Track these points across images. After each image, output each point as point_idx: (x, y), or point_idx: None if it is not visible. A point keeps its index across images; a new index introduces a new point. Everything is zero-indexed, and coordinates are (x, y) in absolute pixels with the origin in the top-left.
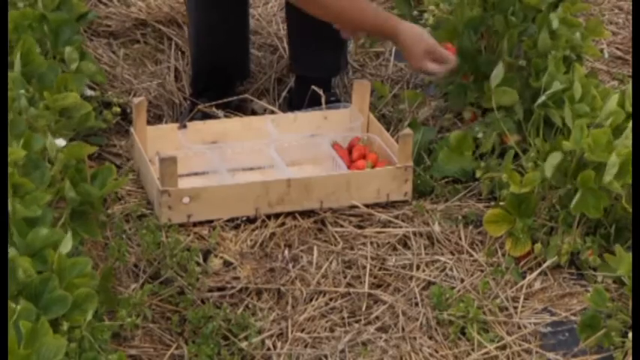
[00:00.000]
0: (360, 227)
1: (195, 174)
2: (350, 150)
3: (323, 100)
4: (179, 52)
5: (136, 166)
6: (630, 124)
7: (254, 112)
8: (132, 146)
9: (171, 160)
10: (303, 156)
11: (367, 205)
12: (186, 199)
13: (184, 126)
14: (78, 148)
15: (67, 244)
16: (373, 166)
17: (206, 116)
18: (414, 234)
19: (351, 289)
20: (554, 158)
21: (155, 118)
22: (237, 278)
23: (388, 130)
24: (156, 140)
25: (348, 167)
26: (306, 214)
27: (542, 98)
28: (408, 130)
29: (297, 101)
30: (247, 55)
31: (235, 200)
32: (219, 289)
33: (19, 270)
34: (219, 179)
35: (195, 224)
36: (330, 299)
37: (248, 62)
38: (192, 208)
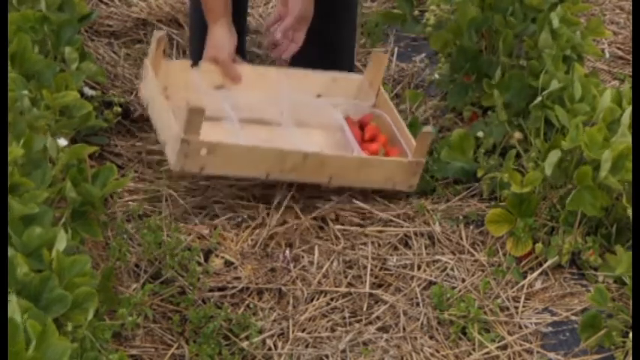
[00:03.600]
0: (361, 226)
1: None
2: (361, 126)
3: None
4: (180, 52)
5: (145, 98)
6: (625, 120)
7: None
8: (145, 77)
9: (198, 111)
10: (312, 119)
11: (373, 191)
12: (204, 151)
13: (196, 64)
14: (79, 148)
15: (61, 242)
16: (385, 153)
17: None
18: (415, 234)
19: (352, 289)
20: (554, 156)
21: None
22: (238, 278)
23: None
24: (168, 75)
25: (360, 146)
26: (308, 211)
27: (539, 98)
28: (428, 128)
29: None
30: (244, 56)
31: (250, 161)
32: (220, 288)
33: (17, 269)
34: (231, 130)
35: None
36: (331, 299)
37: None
38: (206, 160)
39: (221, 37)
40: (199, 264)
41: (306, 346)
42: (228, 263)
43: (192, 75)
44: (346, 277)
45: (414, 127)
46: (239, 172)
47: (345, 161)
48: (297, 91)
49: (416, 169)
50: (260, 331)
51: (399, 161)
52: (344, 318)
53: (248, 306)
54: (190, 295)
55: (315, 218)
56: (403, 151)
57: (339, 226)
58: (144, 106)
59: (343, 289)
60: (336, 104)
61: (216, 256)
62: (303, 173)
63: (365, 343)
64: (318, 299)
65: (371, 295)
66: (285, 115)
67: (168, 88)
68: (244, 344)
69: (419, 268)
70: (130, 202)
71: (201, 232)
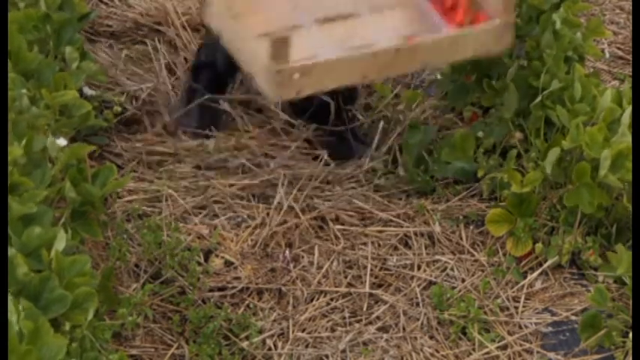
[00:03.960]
0: (361, 226)
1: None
2: None
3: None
4: (181, 52)
5: (215, 27)
6: (625, 120)
7: (260, 111)
8: (209, 3)
9: (283, 40)
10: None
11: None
12: (296, 76)
13: None
14: (79, 148)
15: (61, 242)
16: (472, 20)
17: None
18: (415, 234)
19: (352, 289)
20: (553, 154)
21: (155, 118)
22: (237, 278)
23: (388, 128)
24: None
25: (443, 19)
26: (308, 211)
27: (539, 98)
28: None
29: (321, 117)
30: None
31: (343, 71)
32: (220, 289)
33: (17, 269)
34: (309, 38)
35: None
36: (331, 299)
37: None
38: (301, 83)
39: None
40: (199, 264)
41: (306, 346)
42: (228, 263)
43: None
44: (346, 277)
45: (413, 128)
46: (335, 84)
47: (435, 44)
48: None
49: (507, 29)
50: (260, 331)
51: (490, 27)
52: (344, 318)
53: (248, 306)
54: (190, 295)
55: (315, 218)
56: (487, 13)
57: (339, 226)
58: (215, 33)
59: (343, 289)
60: None
61: (216, 256)
62: (396, 67)
63: (365, 343)
64: (318, 299)
65: (371, 295)
66: (358, 2)
67: (232, 7)
68: (244, 344)
69: (419, 268)
70: (130, 202)
71: (201, 232)
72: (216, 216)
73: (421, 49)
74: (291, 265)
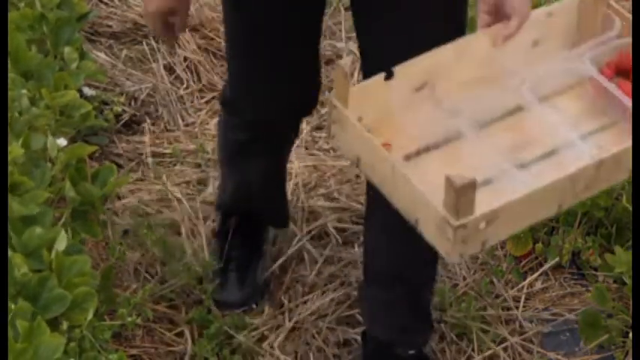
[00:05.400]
0: (360, 224)
1: (437, 145)
2: (620, 71)
3: None
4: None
5: (349, 154)
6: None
7: None
8: (338, 124)
9: (470, 186)
10: (553, 85)
11: None
12: (482, 225)
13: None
14: (78, 148)
15: (61, 242)
16: None
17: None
18: None
19: (350, 288)
20: None
21: (155, 118)
22: None
23: None
24: (360, 104)
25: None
26: (310, 221)
27: None
28: None
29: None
30: (285, 203)
31: (534, 206)
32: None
33: (16, 270)
34: (472, 150)
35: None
36: (332, 299)
37: (285, 210)
38: (487, 233)
39: None
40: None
41: (306, 344)
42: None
43: (387, 91)
44: (345, 275)
45: None
46: (527, 224)
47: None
48: (510, 52)
49: None
50: (259, 330)
51: None
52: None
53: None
54: (191, 295)
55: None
56: None
57: (337, 223)
58: (355, 164)
59: (343, 288)
60: (579, 54)
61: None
62: (598, 184)
63: None
64: (318, 299)
65: None
66: (525, 95)
67: (362, 119)
68: (245, 343)
69: None
70: (130, 202)
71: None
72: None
73: (627, 155)
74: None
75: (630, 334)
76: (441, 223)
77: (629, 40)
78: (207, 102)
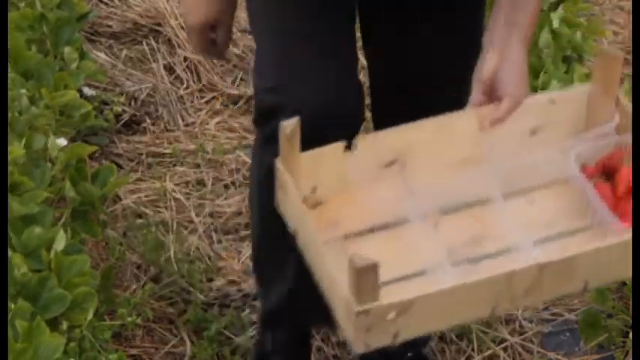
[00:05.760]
0: None
1: (384, 227)
2: (607, 172)
3: None
4: (180, 52)
5: (290, 220)
6: None
7: None
8: (282, 188)
9: (370, 269)
10: (530, 179)
11: None
12: (392, 315)
13: (349, 147)
14: (79, 148)
15: (61, 242)
16: None
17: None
18: None
19: None
20: None
21: (155, 118)
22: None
23: None
24: (314, 171)
25: (614, 210)
26: None
27: None
28: None
29: None
30: None
31: (461, 304)
32: (223, 296)
33: (16, 269)
34: (420, 240)
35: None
36: None
37: None
38: (399, 324)
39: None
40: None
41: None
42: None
43: (349, 163)
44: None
45: None
46: (453, 322)
47: (602, 253)
48: (501, 137)
49: None
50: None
51: None
52: None
53: (250, 306)
54: (191, 295)
55: None
56: None
57: None
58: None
59: None
60: (564, 148)
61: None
62: (542, 291)
63: None
64: None
65: None
66: (498, 185)
67: (317, 189)
68: (245, 343)
69: None
70: (130, 202)
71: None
72: None
73: (581, 261)
74: None
75: (630, 334)
76: (346, 306)
77: (627, 138)
78: (207, 102)
